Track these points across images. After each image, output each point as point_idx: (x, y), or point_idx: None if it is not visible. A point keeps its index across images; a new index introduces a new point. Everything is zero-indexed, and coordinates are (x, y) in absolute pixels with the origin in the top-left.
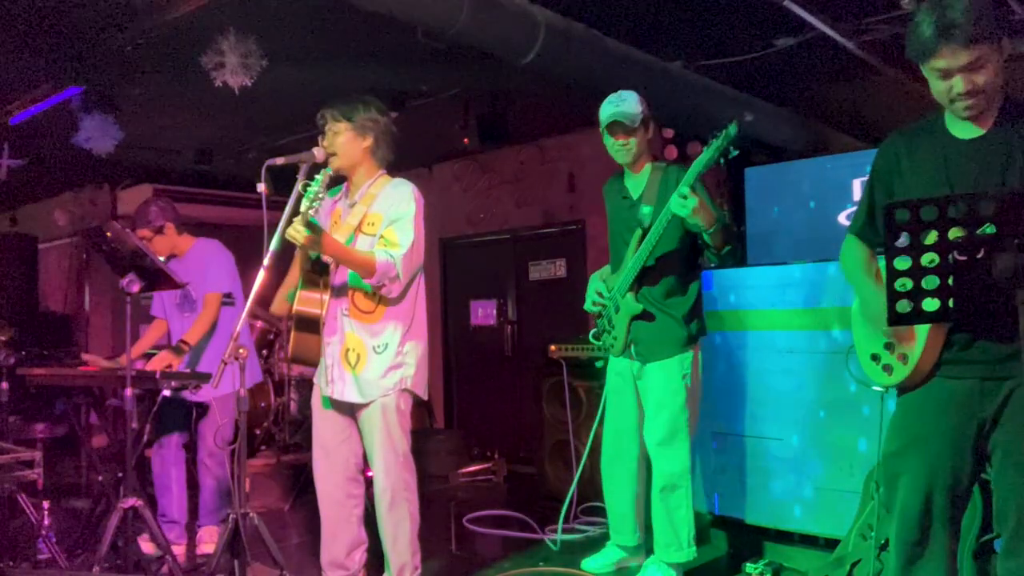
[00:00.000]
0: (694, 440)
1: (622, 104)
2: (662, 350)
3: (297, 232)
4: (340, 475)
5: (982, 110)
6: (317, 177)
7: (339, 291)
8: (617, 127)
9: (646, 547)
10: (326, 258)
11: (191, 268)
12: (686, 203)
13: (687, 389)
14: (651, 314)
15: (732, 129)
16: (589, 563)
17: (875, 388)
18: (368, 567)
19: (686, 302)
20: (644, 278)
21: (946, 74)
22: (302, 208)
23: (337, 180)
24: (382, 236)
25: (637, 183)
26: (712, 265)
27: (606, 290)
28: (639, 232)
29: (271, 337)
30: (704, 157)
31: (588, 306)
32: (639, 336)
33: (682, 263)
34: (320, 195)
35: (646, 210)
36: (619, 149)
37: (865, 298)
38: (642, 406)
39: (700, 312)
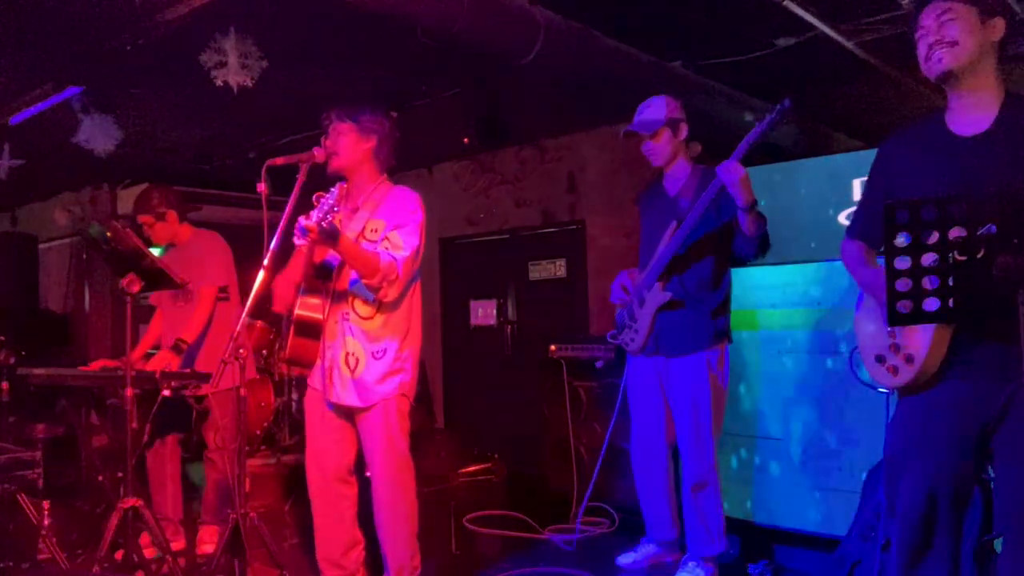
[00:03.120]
0: (719, 438)
1: (643, 112)
2: (689, 344)
3: (308, 229)
4: (332, 476)
5: (951, 66)
6: (333, 190)
7: (339, 297)
8: (633, 135)
9: (681, 541)
10: (330, 259)
11: (188, 258)
12: (732, 170)
13: (712, 387)
14: (679, 304)
15: (787, 103)
16: (624, 558)
17: (880, 390)
18: (367, 567)
19: (717, 296)
20: (675, 268)
21: (925, 32)
22: (314, 218)
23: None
24: (387, 238)
25: (673, 181)
26: (740, 262)
27: (631, 285)
28: (674, 224)
29: (271, 336)
30: (759, 129)
31: (613, 298)
32: (664, 329)
33: (715, 257)
34: (335, 208)
35: (684, 204)
36: (646, 153)
37: (871, 284)
38: (668, 403)
39: (728, 310)
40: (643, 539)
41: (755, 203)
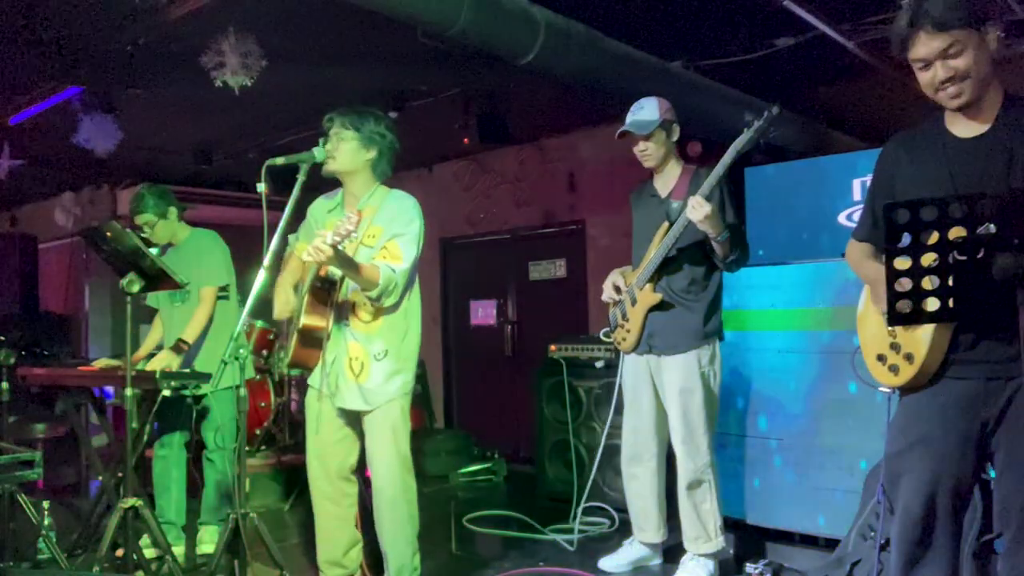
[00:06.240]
0: (714, 436)
1: (638, 113)
2: (680, 342)
3: (322, 250)
4: (335, 475)
5: (970, 98)
6: (351, 215)
7: (342, 304)
8: (629, 135)
9: (666, 544)
10: (333, 272)
11: (185, 258)
12: (698, 208)
13: (705, 384)
14: (670, 305)
15: (775, 109)
16: (606, 562)
17: (881, 389)
18: (367, 568)
19: (707, 296)
20: (665, 270)
21: (926, 64)
22: (329, 240)
23: (334, 183)
24: (385, 247)
25: (665, 182)
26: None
27: (624, 284)
28: (665, 225)
29: (271, 337)
30: (743, 139)
31: (605, 297)
32: (656, 328)
33: (705, 258)
34: (354, 234)
35: (675, 205)
36: (639, 155)
37: (875, 279)
38: (661, 402)
39: (719, 308)
40: (626, 541)
41: (723, 231)
